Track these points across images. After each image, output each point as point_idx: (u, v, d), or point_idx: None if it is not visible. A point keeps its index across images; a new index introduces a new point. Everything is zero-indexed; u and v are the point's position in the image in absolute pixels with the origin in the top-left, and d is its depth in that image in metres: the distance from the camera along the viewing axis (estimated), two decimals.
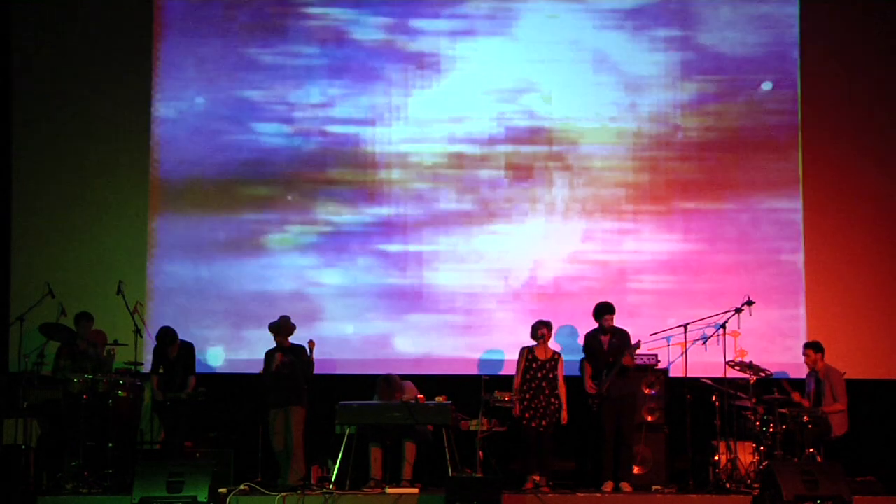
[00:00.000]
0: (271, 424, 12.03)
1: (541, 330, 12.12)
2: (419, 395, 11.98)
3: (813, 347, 12.43)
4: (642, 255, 13.27)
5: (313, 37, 13.47)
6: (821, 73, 13.39)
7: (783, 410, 11.98)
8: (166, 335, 12.22)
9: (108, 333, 12.52)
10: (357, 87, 13.43)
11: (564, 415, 12.01)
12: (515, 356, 12.23)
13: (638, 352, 12.14)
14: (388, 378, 12.24)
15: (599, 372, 12.09)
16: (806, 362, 12.44)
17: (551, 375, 12.03)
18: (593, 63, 13.41)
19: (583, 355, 12.34)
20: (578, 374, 12.35)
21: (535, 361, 12.10)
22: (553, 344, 12.34)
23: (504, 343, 12.89)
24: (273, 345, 12.20)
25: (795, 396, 12.30)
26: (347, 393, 12.20)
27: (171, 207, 13.34)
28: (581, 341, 12.49)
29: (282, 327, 12.12)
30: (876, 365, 13.03)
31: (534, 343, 12.15)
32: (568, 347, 12.71)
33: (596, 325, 12.28)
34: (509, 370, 12.43)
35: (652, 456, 12.35)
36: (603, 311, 12.19)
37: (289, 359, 12.05)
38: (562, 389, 12.03)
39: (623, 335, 12.19)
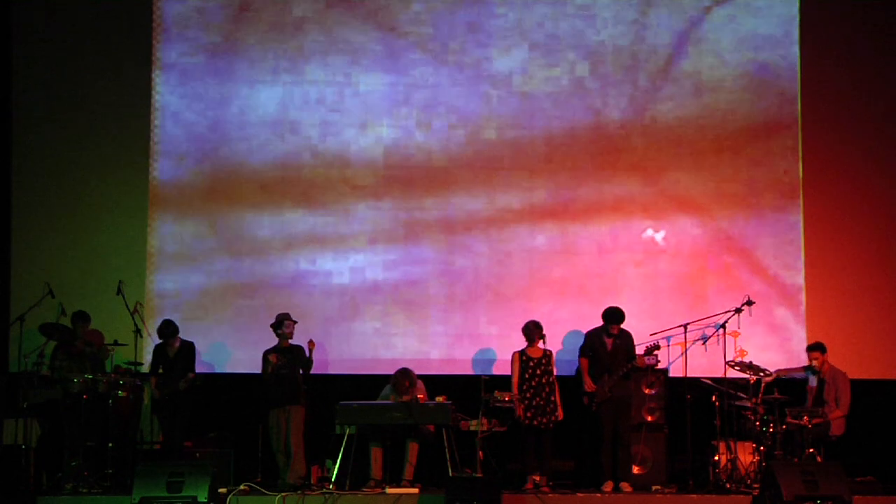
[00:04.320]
0: (271, 424, 12.04)
1: (533, 330, 12.14)
2: (420, 395, 11.99)
3: (819, 349, 12.38)
4: (643, 255, 13.26)
5: (315, 37, 13.46)
6: (821, 73, 13.39)
7: (789, 418, 11.96)
8: (167, 327, 12.25)
9: (108, 333, 12.52)
10: (360, 86, 13.43)
11: (560, 411, 12.05)
12: (511, 356, 12.27)
13: (641, 353, 12.14)
14: (405, 371, 12.23)
15: (602, 371, 12.08)
16: (815, 365, 12.39)
17: (549, 371, 12.06)
18: (578, 67, 13.41)
19: (578, 352, 12.36)
20: (574, 373, 12.37)
21: (531, 361, 12.13)
22: (553, 344, 12.35)
23: (504, 343, 12.86)
24: (271, 344, 12.25)
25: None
26: (347, 393, 12.20)
27: (170, 207, 13.32)
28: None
29: (279, 324, 12.16)
30: (876, 365, 13.04)
31: (525, 345, 12.17)
32: (569, 348, 12.70)
33: (598, 325, 12.29)
34: (508, 370, 12.42)
35: (652, 456, 12.35)
36: (612, 318, 12.17)
37: (284, 359, 12.07)
38: (556, 386, 12.07)
39: (627, 337, 12.20)
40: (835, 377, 12.29)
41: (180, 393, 12.10)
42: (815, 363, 12.39)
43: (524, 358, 12.17)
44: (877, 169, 13.40)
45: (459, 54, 13.42)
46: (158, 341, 12.41)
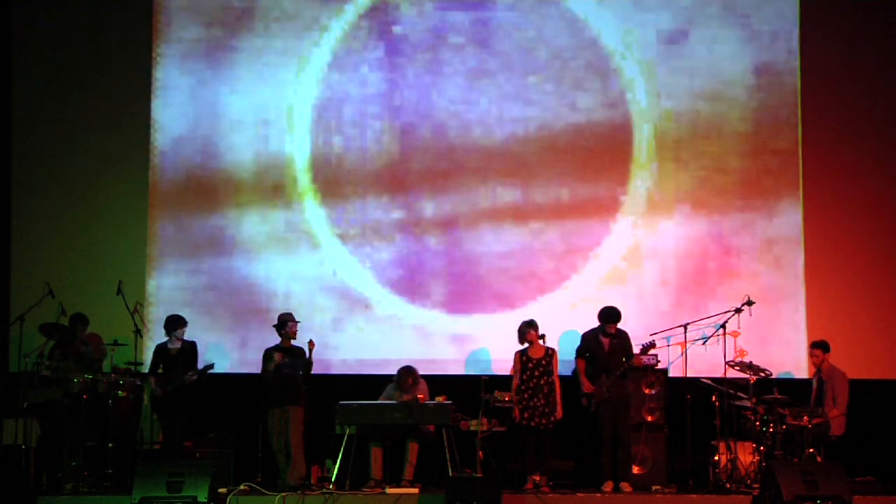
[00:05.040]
0: (270, 424, 12.04)
1: (528, 332, 12.12)
2: (420, 395, 11.98)
3: (821, 347, 12.38)
4: (642, 254, 13.25)
5: (315, 35, 13.47)
6: (821, 73, 13.39)
7: (784, 411, 11.95)
8: (177, 318, 12.24)
9: (108, 333, 12.52)
10: (360, 82, 13.43)
11: (559, 410, 12.04)
12: (509, 356, 12.26)
13: (637, 352, 12.13)
14: (409, 369, 12.23)
15: (599, 371, 12.08)
16: (814, 362, 12.42)
17: (549, 371, 12.06)
18: (581, 61, 13.40)
19: (574, 354, 12.35)
20: (572, 374, 12.36)
21: (531, 361, 12.11)
22: (550, 345, 12.35)
23: (504, 343, 12.83)
24: (271, 344, 12.25)
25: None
26: (347, 393, 12.19)
27: (171, 207, 13.34)
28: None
29: (282, 325, 12.15)
30: (876, 365, 13.03)
31: (525, 345, 12.16)
32: (565, 348, 12.67)
33: (595, 326, 12.28)
34: (506, 370, 12.41)
35: (652, 456, 12.34)
36: (609, 318, 12.15)
37: (288, 359, 12.06)
38: (556, 385, 12.07)
39: (624, 337, 12.20)
40: (832, 376, 12.29)
41: (182, 391, 12.08)
42: (814, 360, 12.40)
43: (524, 358, 12.16)
44: (877, 169, 13.39)
45: (456, 51, 13.42)
46: (161, 340, 12.40)
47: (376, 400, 12.22)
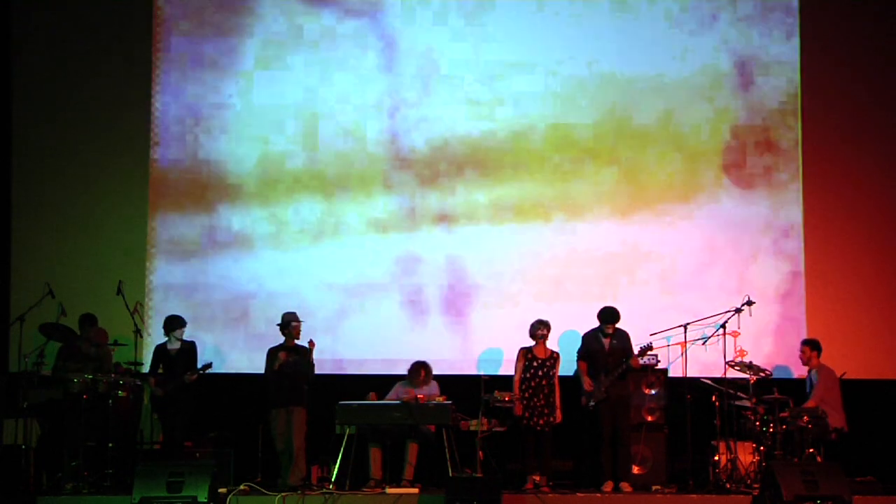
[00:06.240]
0: (273, 424, 12.02)
1: (540, 329, 12.16)
2: (420, 396, 11.97)
3: (809, 345, 12.43)
4: (642, 254, 13.25)
5: (314, 31, 13.47)
6: (821, 73, 13.39)
7: (784, 415, 11.95)
8: (176, 318, 12.24)
9: (108, 333, 12.52)
10: (359, 81, 13.43)
11: (558, 413, 12.05)
12: (514, 356, 12.26)
13: (635, 353, 12.13)
14: (422, 364, 12.24)
15: (599, 371, 12.09)
16: (801, 358, 12.46)
17: (551, 374, 12.06)
18: (583, 61, 13.41)
19: (576, 355, 12.35)
20: (573, 374, 12.36)
21: (535, 360, 12.12)
22: (552, 345, 12.35)
23: (507, 343, 12.85)
24: (272, 343, 12.23)
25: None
26: (348, 393, 12.19)
27: (171, 206, 13.34)
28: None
29: (285, 325, 12.14)
30: (875, 365, 13.04)
31: (532, 343, 12.18)
32: (565, 349, 12.67)
33: (595, 326, 12.28)
34: (508, 370, 12.43)
35: (652, 456, 12.35)
36: (608, 317, 12.16)
37: (293, 357, 12.04)
38: (556, 389, 12.07)
39: (624, 336, 12.20)
40: (819, 372, 12.31)
41: (182, 390, 12.07)
42: (801, 356, 12.43)
43: (529, 356, 12.17)
44: (876, 168, 13.40)
45: (456, 47, 13.43)
46: (160, 341, 12.40)
47: (389, 393, 12.23)
